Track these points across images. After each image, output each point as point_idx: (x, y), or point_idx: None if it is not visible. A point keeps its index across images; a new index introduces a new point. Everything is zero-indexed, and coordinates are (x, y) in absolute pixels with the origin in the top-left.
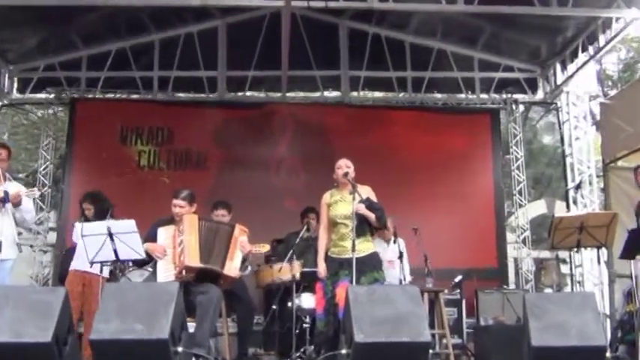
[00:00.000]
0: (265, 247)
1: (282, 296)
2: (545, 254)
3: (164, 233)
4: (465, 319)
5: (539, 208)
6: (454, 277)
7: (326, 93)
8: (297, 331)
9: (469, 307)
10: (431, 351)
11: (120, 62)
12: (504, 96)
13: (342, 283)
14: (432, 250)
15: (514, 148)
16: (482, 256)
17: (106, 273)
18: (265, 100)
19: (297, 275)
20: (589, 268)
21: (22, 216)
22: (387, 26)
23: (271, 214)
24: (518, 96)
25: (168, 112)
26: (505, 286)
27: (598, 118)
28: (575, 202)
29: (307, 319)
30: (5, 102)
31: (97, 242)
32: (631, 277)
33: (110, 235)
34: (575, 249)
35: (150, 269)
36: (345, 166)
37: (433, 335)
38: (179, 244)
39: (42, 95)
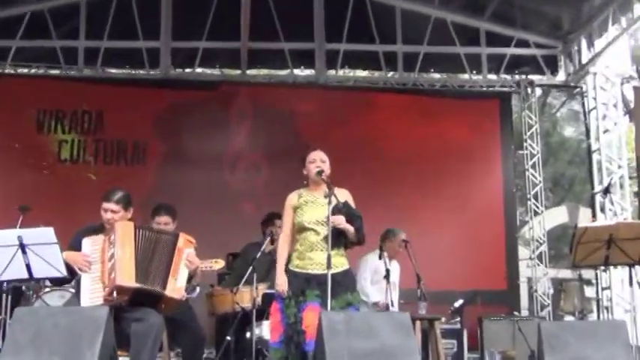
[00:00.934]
0: (219, 263)
1: (239, 325)
2: (566, 274)
3: (90, 245)
4: (466, 354)
5: (558, 216)
6: (454, 302)
7: (296, 71)
8: None
9: (472, 338)
10: None
11: (36, 29)
12: (517, 77)
13: (311, 306)
14: (427, 267)
15: (529, 141)
16: (488, 276)
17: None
18: (220, 78)
19: (260, 300)
20: (619, 290)
21: None
22: None
23: (226, 222)
24: (535, 77)
25: (97, 93)
26: (516, 313)
27: (632, 105)
28: (602, 210)
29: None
30: None
31: (5, 255)
32: None
33: (22, 246)
34: (603, 267)
35: (72, 290)
36: (319, 160)
37: None
38: (109, 259)
39: None
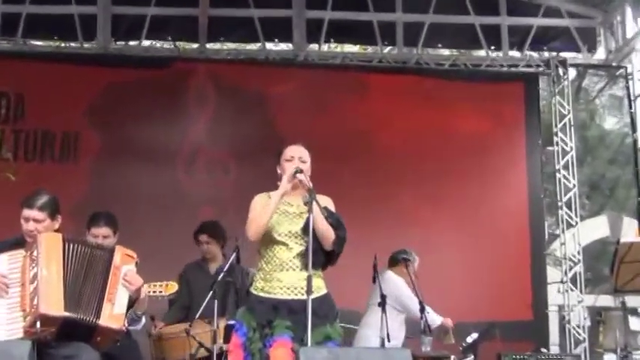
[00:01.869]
0: (171, 287)
1: None
2: (606, 301)
3: (7, 262)
4: None
5: (597, 228)
6: (466, 336)
7: (269, 45)
8: None
9: None
10: None
11: None
12: (546, 55)
13: (280, 340)
14: (433, 293)
15: (560, 135)
16: (509, 303)
17: None
18: (173, 54)
19: (222, 343)
20: None
21: None
22: None
23: (182, 234)
24: (568, 55)
25: (16, 71)
26: (544, 350)
27: None
28: None
29: None
30: None
31: None
32: None
33: None
34: None
35: None
36: (297, 158)
37: None
38: (31, 280)
39: None
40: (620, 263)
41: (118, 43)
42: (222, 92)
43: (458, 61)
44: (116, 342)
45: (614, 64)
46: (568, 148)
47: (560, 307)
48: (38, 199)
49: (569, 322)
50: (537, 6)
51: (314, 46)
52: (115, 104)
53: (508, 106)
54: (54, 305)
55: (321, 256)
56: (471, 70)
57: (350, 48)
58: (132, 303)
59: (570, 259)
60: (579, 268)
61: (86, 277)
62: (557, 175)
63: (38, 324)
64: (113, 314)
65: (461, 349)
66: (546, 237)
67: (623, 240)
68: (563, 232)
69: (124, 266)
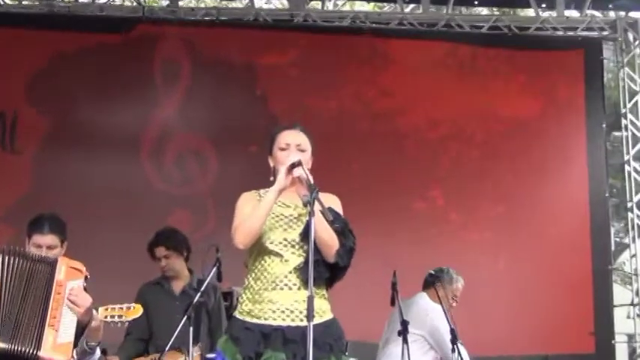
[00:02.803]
0: (135, 311)
1: None
2: None
3: None
4: None
5: None
6: None
7: (259, 3)
8: None
9: None
10: None
11: None
12: (612, 15)
13: None
14: (468, 320)
15: (630, 117)
16: (565, 332)
17: None
18: (136, 14)
19: None
20: None
21: None
22: None
23: (146, 243)
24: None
25: None
26: None
27: None
28: None
29: None
30: None
31: None
32: None
33: None
34: None
35: None
36: (294, 146)
37: None
38: None
39: None
40: None
41: (66, 0)
42: (198, 63)
43: (499, 23)
44: None
45: None
46: None
47: (630, 337)
48: None
49: None
50: None
51: (315, 4)
52: (63, 78)
53: (563, 81)
54: None
55: (324, 271)
56: (516, 35)
57: (362, 6)
58: (82, 329)
59: None
60: None
61: (24, 298)
62: (627, 167)
63: None
64: (57, 344)
65: None
66: (612, 247)
67: None
68: (633, 240)
69: (70, 282)
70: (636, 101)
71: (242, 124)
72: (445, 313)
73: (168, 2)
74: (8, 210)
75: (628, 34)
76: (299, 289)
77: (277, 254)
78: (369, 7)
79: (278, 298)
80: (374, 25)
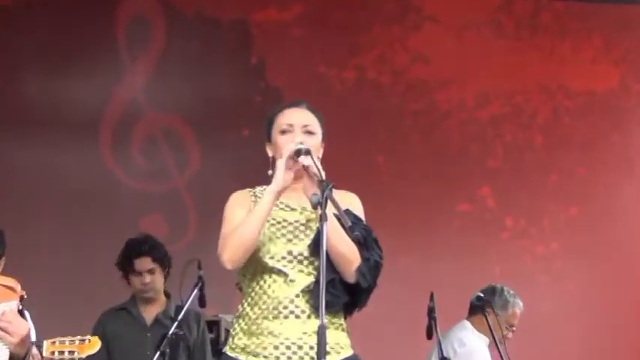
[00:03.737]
0: (92, 345)
1: None
2: None
3: None
4: None
5: None
6: None
7: None
8: None
9: None
10: None
11: None
12: None
13: None
14: (529, 355)
15: None
16: None
17: None
18: None
19: None
20: None
21: None
22: None
23: (108, 255)
24: None
25: None
26: None
27: None
28: None
29: None
30: None
31: None
32: None
33: None
34: None
35: None
36: (300, 127)
37: None
38: None
39: None
40: None
41: None
42: (175, 21)
43: None
44: None
45: None
46: None
47: None
48: None
49: None
50: None
51: None
52: None
53: None
54: None
55: (342, 294)
56: None
57: None
58: None
59: None
60: None
61: None
62: None
63: None
64: None
65: None
66: None
67: None
68: None
69: (1, 304)
70: None
71: (231, 101)
72: (498, 346)
73: None
74: None
75: None
76: (309, 317)
77: (280, 272)
78: None
79: (282, 330)
80: None
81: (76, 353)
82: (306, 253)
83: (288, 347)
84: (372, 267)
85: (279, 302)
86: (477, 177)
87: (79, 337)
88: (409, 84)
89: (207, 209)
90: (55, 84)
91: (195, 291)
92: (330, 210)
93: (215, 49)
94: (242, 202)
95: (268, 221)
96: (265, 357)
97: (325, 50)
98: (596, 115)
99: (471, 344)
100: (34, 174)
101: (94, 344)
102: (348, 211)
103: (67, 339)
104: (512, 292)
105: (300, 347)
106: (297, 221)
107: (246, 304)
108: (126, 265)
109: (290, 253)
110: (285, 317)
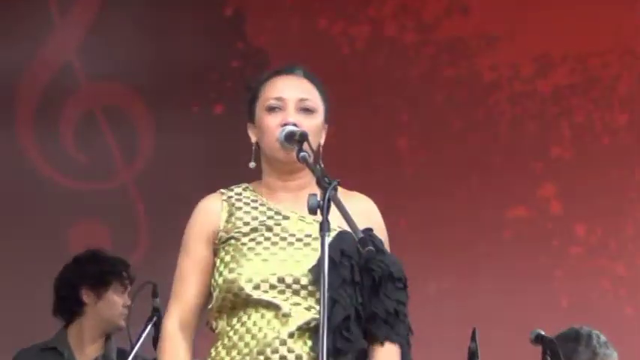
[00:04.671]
0: None
1: None
2: None
3: None
4: None
5: None
6: None
7: None
8: None
9: None
10: None
11: None
12: None
13: None
14: None
15: None
16: None
17: None
18: None
19: None
20: None
21: None
22: None
23: (32, 270)
24: None
25: None
26: None
27: None
28: None
29: None
30: None
31: None
32: None
33: None
34: None
35: None
36: (293, 102)
37: None
38: None
39: None
40: None
41: None
42: None
43: None
44: None
45: None
46: None
47: None
48: None
49: None
50: None
51: None
52: None
53: None
54: None
55: (358, 338)
56: None
57: None
58: None
59: None
60: None
61: None
62: None
63: None
64: None
65: None
66: None
67: None
68: None
69: None
70: None
71: (198, 67)
72: None
73: None
74: None
75: None
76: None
77: (270, 305)
78: None
79: None
80: None
81: None
82: (304, 281)
83: None
84: (402, 303)
85: (267, 344)
86: (537, 171)
87: None
88: (442, 44)
89: (162, 213)
90: None
91: (149, 328)
92: (335, 215)
93: (187, 8)
94: (207, 227)
95: (249, 235)
96: None
97: (320, 5)
98: None
99: None
100: None
101: None
102: (370, 234)
103: None
104: (602, 339)
105: None
106: (292, 235)
107: (220, 348)
108: (93, 287)
109: (281, 279)
110: None
